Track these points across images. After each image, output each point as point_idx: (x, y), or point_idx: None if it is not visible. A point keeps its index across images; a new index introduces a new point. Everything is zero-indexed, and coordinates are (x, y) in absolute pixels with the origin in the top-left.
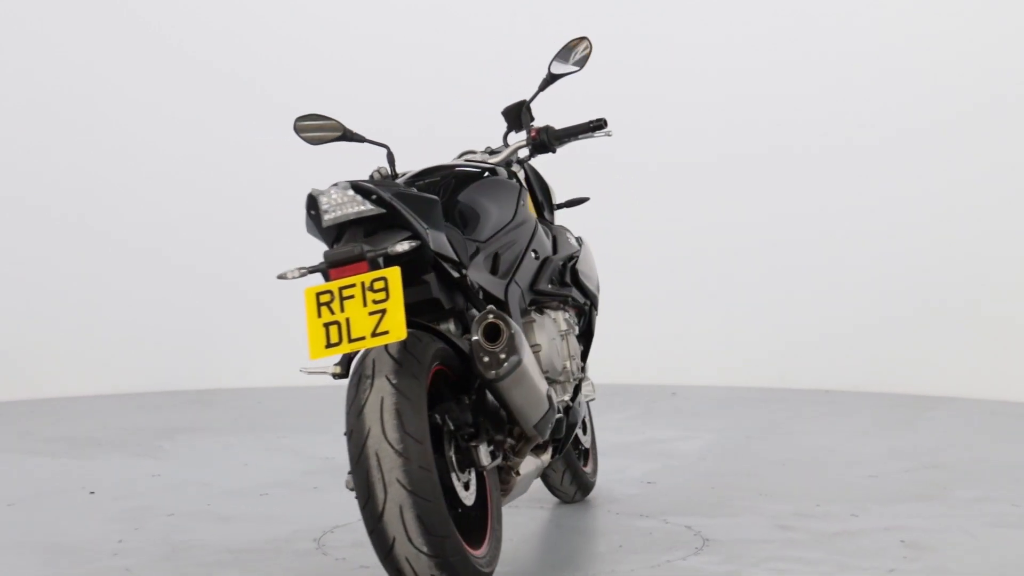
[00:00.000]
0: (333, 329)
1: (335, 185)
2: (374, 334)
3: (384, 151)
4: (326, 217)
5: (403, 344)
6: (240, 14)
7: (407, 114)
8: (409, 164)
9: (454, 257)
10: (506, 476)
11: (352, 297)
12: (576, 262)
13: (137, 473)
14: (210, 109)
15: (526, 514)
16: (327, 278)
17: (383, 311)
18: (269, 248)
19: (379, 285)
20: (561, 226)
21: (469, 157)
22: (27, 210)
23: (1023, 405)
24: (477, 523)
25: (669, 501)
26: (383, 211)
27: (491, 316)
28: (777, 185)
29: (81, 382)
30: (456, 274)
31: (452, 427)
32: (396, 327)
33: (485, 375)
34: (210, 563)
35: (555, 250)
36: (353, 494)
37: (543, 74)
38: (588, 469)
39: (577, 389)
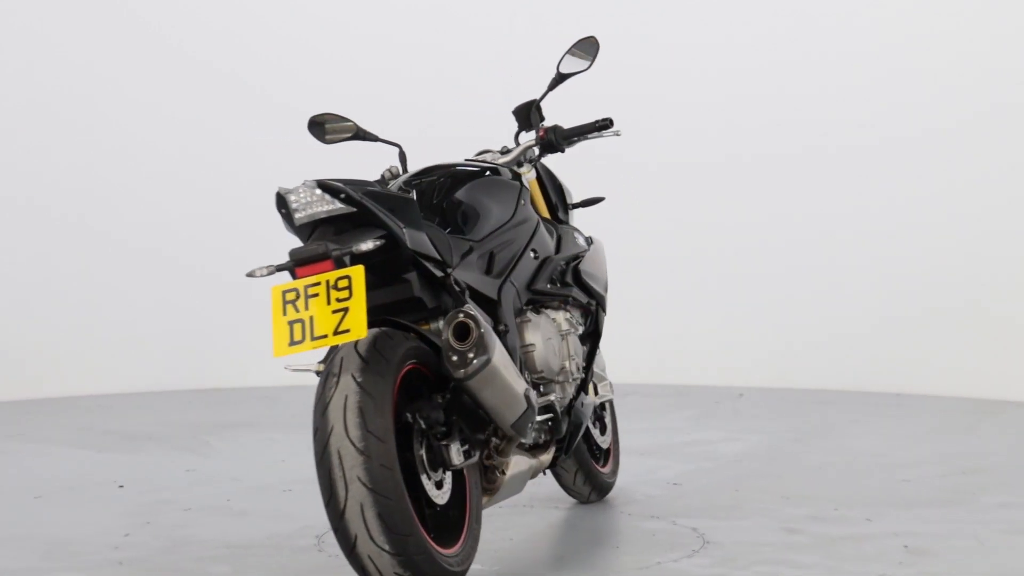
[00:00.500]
0: (297, 327)
1: (303, 183)
2: (336, 332)
3: (396, 149)
4: (297, 216)
5: (373, 342)
6: (240, 14)
7: (407, 114)
8: (412, 164)
9: (436, 256)
10: (492, 476)
11: (317, 295)
12: (580, 262)
13: (174, 467)
14: (210, 109)
15: (536, 514)
16: (294, 276)
17: (346, 309)
18: (269, 248)
19: (343, 284)
20: (569, 226)
21: (485, 156)
22: (27, 210)
23: None
24: (453, 522)
25: (687, 503)
26: (353, 210)
27: (461, 315)
28: (783, 185)
29: (81, 382)
30: (439, 273)
31: (424, 426)
32: (357, 325)
33: (453, 374)
34: (204, 558)
35: (559, 250)
36: None
37: (543, 74)
38: (606, 470)
39: (583, 389)
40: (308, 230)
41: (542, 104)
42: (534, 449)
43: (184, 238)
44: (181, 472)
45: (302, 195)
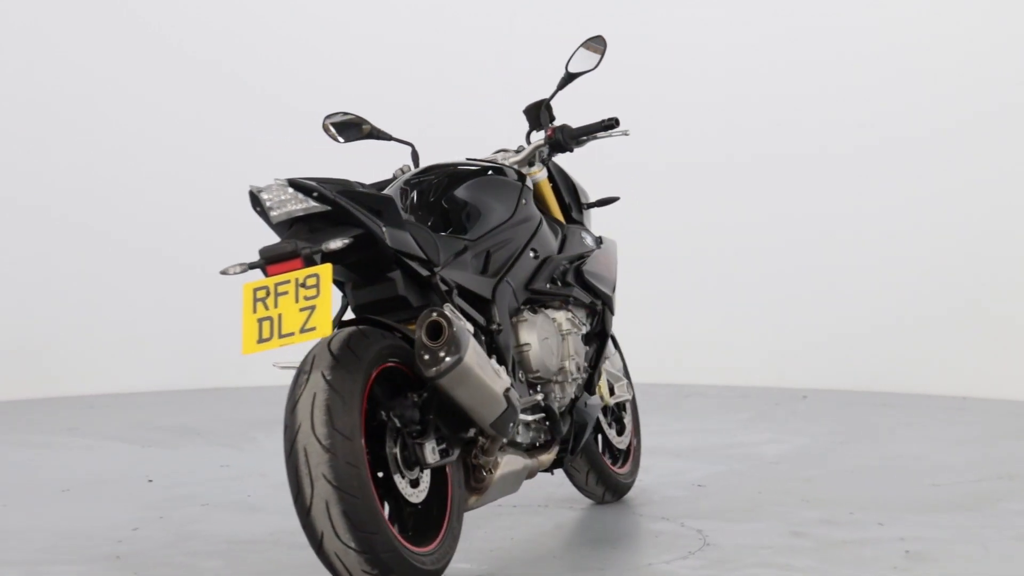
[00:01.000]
0: (266, 324)
1: (274, 181)
2: (302, 330)
3: (409, 148)
4: (272, 214)
5: (346, 341)
6: (241, 14)
7: (406, 114)
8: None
9: (420, 255)
10: (478, 475)
11: (286, 293)
12: (584, 262)
13: (210, 463)
14: (211, 108)
15: (547, 513)
16: (265, 274)
17: (313, 307)
18: None
19: (311, 282)
20: (578, 226)
21: (497, 156)
22: (27, 210)
23: None
24: (433, 520)
25: (703, 505)
26: (328, 208)
27: (434, 314)
28: (782, 185)
29: (82, 382)
30: (425, 272)
31: (398, 424)
32: (323, 323)
33: (424, 373)
34: (200, 553)
35: (563, 250)
36: None
37: (543, 74)
38: (624, 470)
39: (589, 389)
40: (285, 227)
41: (552, 104)
42: (535, 449)
43: (184, 238)
44: (215, 468)
45: (275, 193)
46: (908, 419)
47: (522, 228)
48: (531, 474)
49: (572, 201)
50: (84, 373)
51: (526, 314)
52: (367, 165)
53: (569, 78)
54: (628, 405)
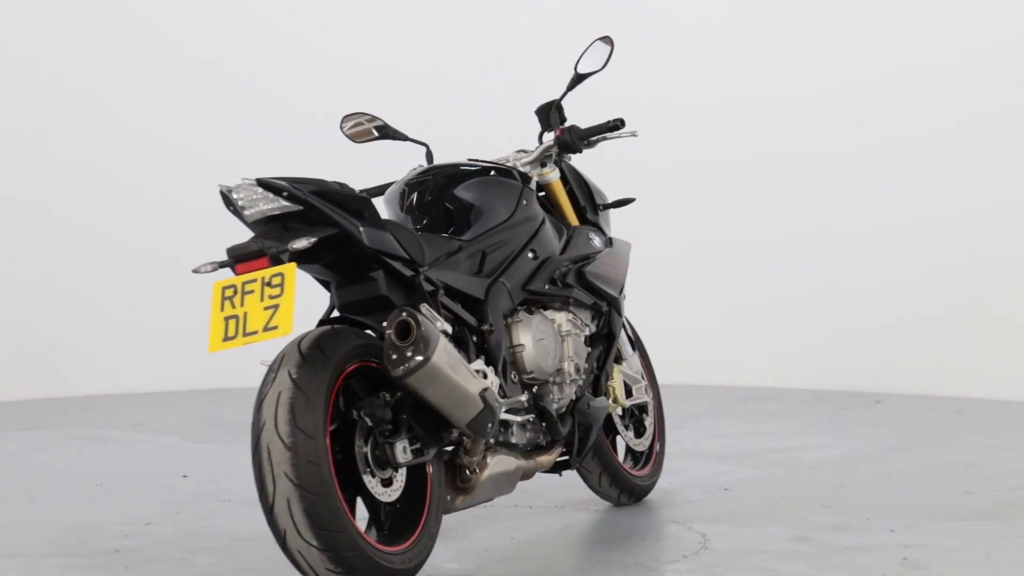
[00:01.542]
0: (232, 323)
1: (242, 181)
2: (265, 328)
3: (423, 148)
4: (245, 213)
5: (316, 340)
6: (241, 13)
7: (407, 113)
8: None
9: (403, 255)
10: (463, 475)
11: (252, 292)
12: (587, 263)
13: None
14: (211, 108)
15: (559, 515)
16: (235, 273)
17: (276, 306)
18: None
19: (276, 280)
20: (585, 227)
21: (507, 156)
22: (26, 209)
23: None
24: (410, 520)
25: (720, 508)
26: (300, 208)
27: (403, 314)
28: (787, 185)
29: (82, 383)
30: (408, 272)
31: (369, 423)
32: (285, 322)
33: (391, 372)
34: (198, 549)
35: (566, 251)
36: None
37: (543, 74)
38: (642, 473)
39: (596, 391)
40: (260, 226)
41: (563, 104)
42: (535, 450)
43: (186, 237)
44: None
45: (246, 193)
46: (978, 426)
47: (521, 229)
48: (527, 475)
49: (586, 202)
50: (85, 373)
51: (522, 315)
52: (382, 165)
53: (578, 79)
54: (651, 407)
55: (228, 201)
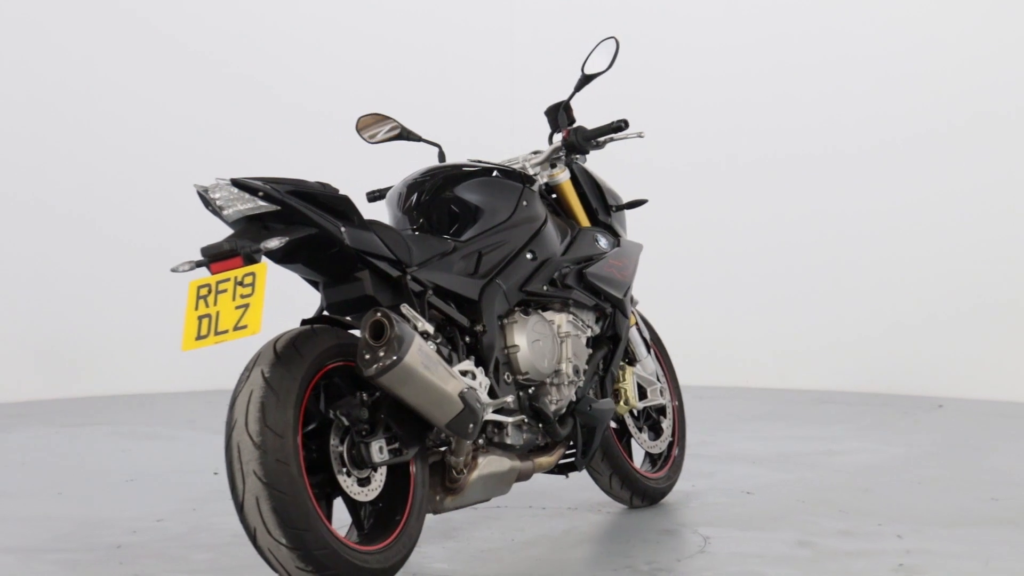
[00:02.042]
0: (205, 322)
1: (216, 181)
2: (235, 328)
3: (436, 149)
4: (224, 213)
5: (293, 339)
6: (244, 12)
7: (409, 112)
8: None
9: (388, 255)
10: (451, 475)
11: (225, 291)
12: (589, 264)
13: None
14: (213, 106)
15: (568, 517)
16: (211, 272)
17: (247, 306)
18: None
19: (248, 280)
20: (593, 228)
21: (518, 157)
22: (28, 207)
23: None
24: (389, 520)
25: (733, 512)
26: (277, 208)
27: (378, 314)
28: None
29: (82, 383)
30: (395, 273)
31: (346, 423)
32: (254, 322)
33: (364, 372)
34: (199, 545)
35: (568, 252)
36: None
37: (543, 74)
38: (658, 475)
39: (599, 391)
40: (241, 225)
41: (571, 105)
42: (535, 451)
43: (188, 236)
44: None
45: (223, 192)
46: None
47: (520, 230)
48: (524, 476)
49: (598, 203)
50: (83, 374)
51: (517, 316)
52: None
53: (586, 79)
54: (669, 410)
55: (206, 201)
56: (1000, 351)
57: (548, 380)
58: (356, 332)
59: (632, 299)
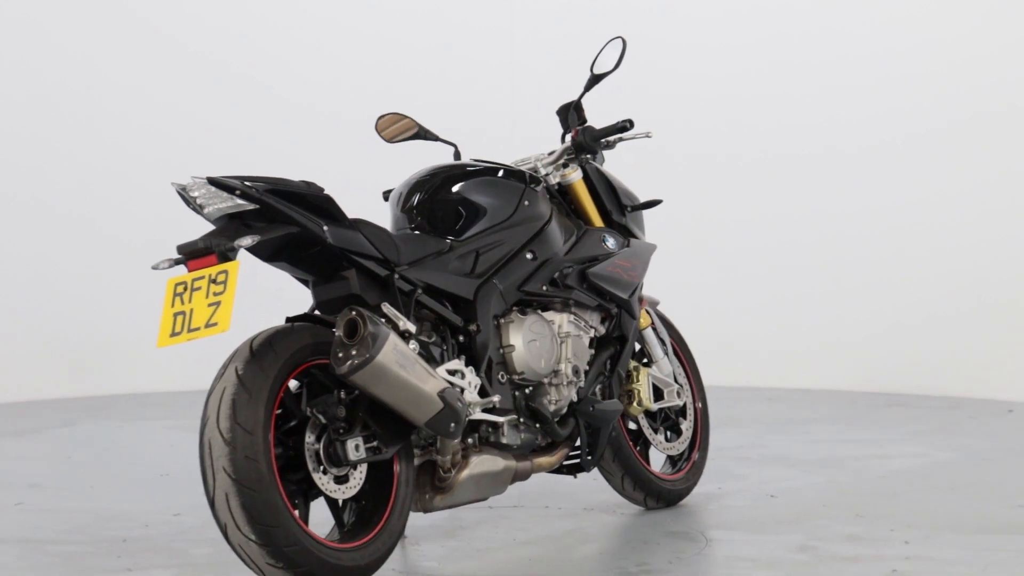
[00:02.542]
0: (179, 319)
1: (192, 180)
2: (207, 325)
3: (452, 149)
4: (206, 211)
5: (270, 337)
6: (244, 12)
7: (411, 108)
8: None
9: (375, 254)
10: (442, 474)
11: (200, 289)
12: (593, 265)
13: None
14: (213, 106)
15: (580, 517)
16: (187, 269)
17: (219, 303)
18: None
19: (221, 278)
20: (600, 229)
21: (535, 156)
22: (28, 206)
23: None
24: (370, 518)
25: (748, 515)
26: (256, 207)
27: (352, 313)
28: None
29: (80, 382)
30: (382, 272)
31: (323, 420)
32: (224, 319)
33: (337, 370)
34: (202, 540)
35: (573, 252)
36: None
37: (543, 71)
38: (673, 477)
39: (605, 392)
40: (222, 223)
41: (583, 105)
42: (537, 451)
43: (189, 235)
44: None
45: (202, 191)
46: None
47: (520, 229)
48: (521, 476)
49: (611, 204)
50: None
51: (514, 315)
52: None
53: (595, 79)
54: (690, 412)
55: (185, 199)
56: None
57: (547, 380)
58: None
59: (652, 300)
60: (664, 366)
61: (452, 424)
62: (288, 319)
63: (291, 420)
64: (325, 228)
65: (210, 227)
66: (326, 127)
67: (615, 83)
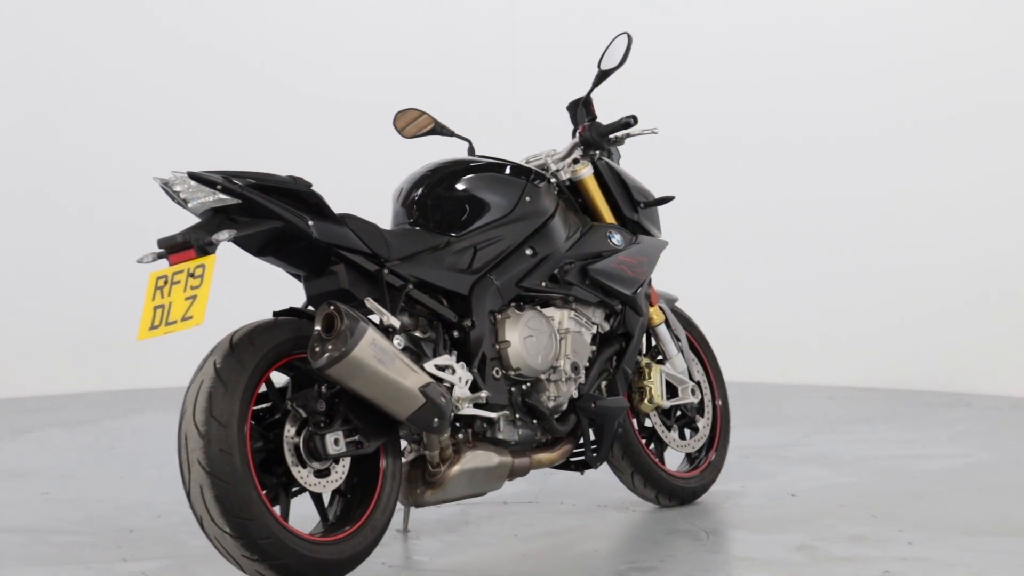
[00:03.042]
0: (159, 312)
1: (173, 174)
2: (183, 318)
3: (467, 144)
4: (190, 205)
5: (250, 331)
6: (248, 4)
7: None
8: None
9: (363, 249)
10: (431, 469)
11: (179, 283)
12: (594, 261)
13: None
14: (217, 97)
15: (591, 514)
16: (169, 263)
17: (195, 297)
18: None
19: (199, 272)
20: (605, 224)
21: (550, 153)
22: (29, 200)
23: None
24: (354, 512)
25: (762, 514)
26: (239, 201)
27: (330, 307)
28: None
29: (83, 378)
30: (372, 267)
31: (303, 414)
32: (199, 313)
33: (313, 364)
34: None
35: (576, 248)
36: None
37: (544, 68)
38: (687, 475)
39: (610, 389)
40: (207, 217)
41: (592, 100)
42: (538, 447)
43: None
44: None
45: (185, 185)
46: None
47: (519, 225)
48: (518, 472)
49: (623, 200)
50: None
51: (511, 311)
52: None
53: (603, 75)
54: (708, 411)
55: (170, 194)
56: None
57: (545, 376)
58: None
59: (669, 297)
60: (678, 363)
61: (435, 419)
62: (275, 313)
63: (276, 414)
64: (310, 223)
65: (197, 220)
66: (335, 120)
67: (624, 77)
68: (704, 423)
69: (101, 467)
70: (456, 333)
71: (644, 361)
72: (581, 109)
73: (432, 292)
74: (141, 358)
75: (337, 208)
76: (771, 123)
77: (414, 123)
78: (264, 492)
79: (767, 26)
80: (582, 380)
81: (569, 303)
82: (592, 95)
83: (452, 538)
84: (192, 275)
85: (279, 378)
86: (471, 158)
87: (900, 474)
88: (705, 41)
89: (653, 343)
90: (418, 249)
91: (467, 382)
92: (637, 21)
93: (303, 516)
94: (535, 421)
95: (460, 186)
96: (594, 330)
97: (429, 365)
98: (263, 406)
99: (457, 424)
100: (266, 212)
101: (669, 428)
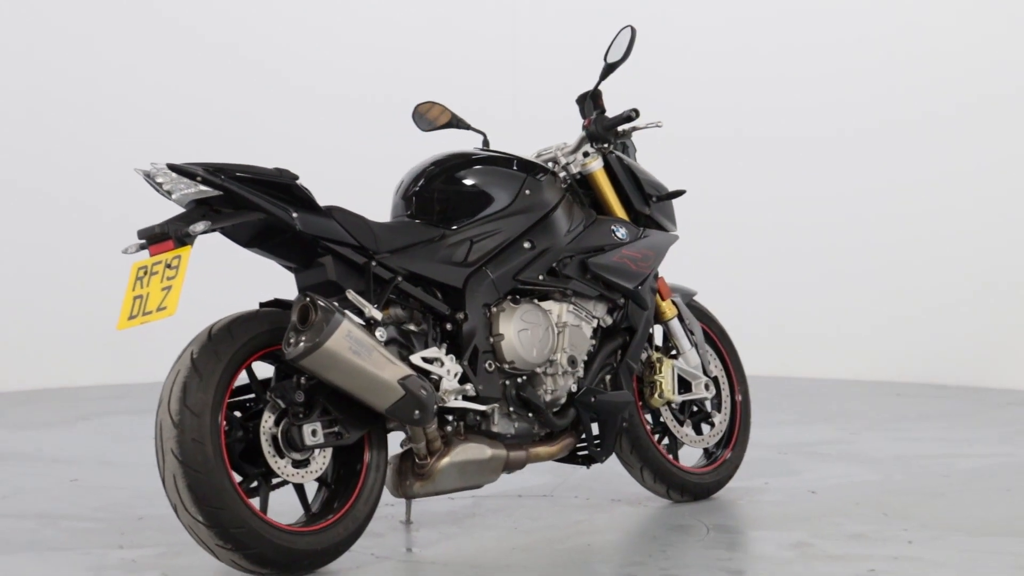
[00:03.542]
0: (137, 302)
1: (152, 166)
2: (158, 309)
3: (481, 137)
4: (172, 197)
5: (230, 322)
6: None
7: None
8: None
9: (350, 241)
10: (420, 461)
11: (157, 273)
12: (595, 254)
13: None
14: (219, 90)
15: (602, 509)
16: (149, 254)
17: (170, 287)
18: None
19: (175, 263)
20: (609, 218)
21: (560, 147)
22: (29, 195)
23: None
24: (332, 503)
25: (775, 511)
26: (220, 193)
27: (306, 299)
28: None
29: (82, 376)
30: (360, 259)
31: (282, 405)
32: (172, 304)
33: (286, 355)
34: None
35: (576, 241)
36: None
37: (543, 64)
38: (701, 471)
39: (613, 383)
40: (191, 207)
41: (600, 93)
42: (538, 441)
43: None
44: None
45: (167, 177)
46: None
47: (518, 219)
48: (514, 465)
49: (634, 194)
50: (86, 367)
51: (506, 304)
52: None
53: (608, 68)
54: (726, 407)
55: (153, 185)
56: None
57: (541, 370)
58: None
59: (687, 292)
60: (691, 358)
61: (416, 411)
62: (261, 304)
63: (259, 404)
64: (294, 215)
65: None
66: (336, 112)
67: (630, 70)
68: (720, 418)
69: (138, 456)
70: (449, 326)
71: (655, 356)
72: (589, 102)
73: (425, 285)
74: None
75: (336, 201)
76: (773, 118)
77: (432, 116)
78: (243, 482)
79: (771, 19)
80: (580, 374)
81: (568, 296)
82: (600, 88)
83: (452, 530)
84: (169, 266)
85: (268, 370)
86: (472, 151)
87: (932, 473)
88: (704, 40)
89: (667, 338)
90: (411, 241)
91: (456, 375)
92: (638, 13)
93: (298, 509)
94: (530, 414)
95: (459, 179)
96: (594, 324)
97: (415, 357)
98: (247, 397)
99: (449, 417)
100: (248, 204)
101: (681, 423)
